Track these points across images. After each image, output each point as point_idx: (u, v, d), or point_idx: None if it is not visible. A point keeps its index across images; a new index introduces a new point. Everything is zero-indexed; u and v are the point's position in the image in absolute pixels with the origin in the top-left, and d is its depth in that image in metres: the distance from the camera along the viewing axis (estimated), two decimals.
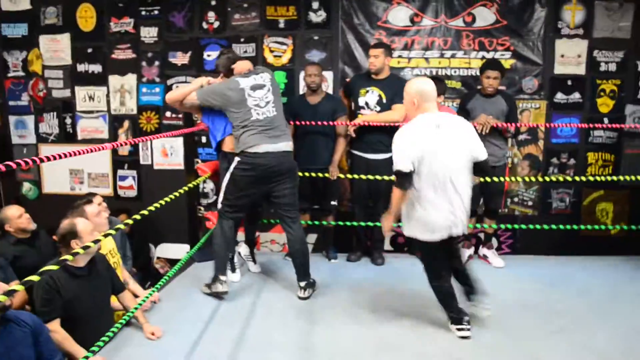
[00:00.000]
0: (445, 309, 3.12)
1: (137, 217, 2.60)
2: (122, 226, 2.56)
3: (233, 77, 3.54)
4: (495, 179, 3.99)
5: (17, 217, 3.72)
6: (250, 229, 4.26)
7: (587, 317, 3.38)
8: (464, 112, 4.16)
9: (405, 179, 2.86)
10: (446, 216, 2.88)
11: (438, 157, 2.82)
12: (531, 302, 3.59)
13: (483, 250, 4.45)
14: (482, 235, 4.64)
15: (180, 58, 5.28)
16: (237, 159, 3.47)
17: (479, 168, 3.00)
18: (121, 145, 3.86)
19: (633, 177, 4.23)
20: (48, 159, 1.99)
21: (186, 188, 3.58)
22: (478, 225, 4.38)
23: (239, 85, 3.46)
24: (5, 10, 5.41)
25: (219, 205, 3.62)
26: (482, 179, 3.97)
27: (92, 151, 2.22)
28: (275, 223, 4.63)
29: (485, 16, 4.93)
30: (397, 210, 3.00)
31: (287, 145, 3.52)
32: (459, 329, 3.03)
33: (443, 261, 3.06)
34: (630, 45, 4.92)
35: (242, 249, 4.27)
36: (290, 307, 3.55)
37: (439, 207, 2.87)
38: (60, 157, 1.99)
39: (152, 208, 2.77)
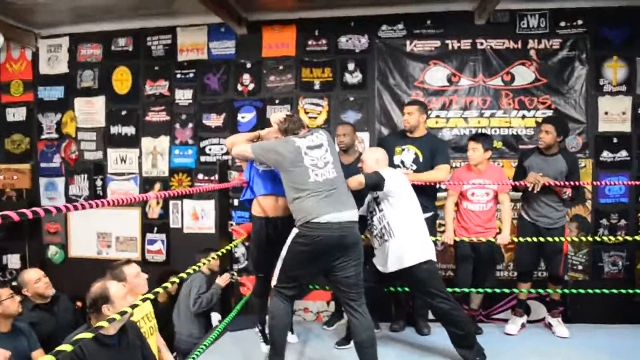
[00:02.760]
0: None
1: (175, 280, 2.41)
2: (160, 290, 2.36)
3: (287, 136, 3.28)
4: (550, 239, 3.74)
5: (35, 281, 3.53)
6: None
7: None
8: (522, 169, 3.96)
9: None
10: None
11: None
12: None
13: (548, 318, 4.13)
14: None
15: (214, 120, 5.24)
16: (295, 230, 3.06)
17: None
18: (148, 202, 3.73)
19: None
20: (76, 207, 1.77)
21: (224, 250, 3.40)
22: (532, 291, 4.08)
23: (294, 143, 3.11)
24: (42, 73, 5.50)
25: (274, 282, 3.26)
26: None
27: (119, 203, 2.04)
28: (309, 289, 4.38)
29: (524, 75, 4.85)
30: None
31: (352, 214, 3.05)
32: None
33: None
34: None
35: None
36: None
37: None
38: (84, 207, 1.79)
39: (190, 271, 2.58)
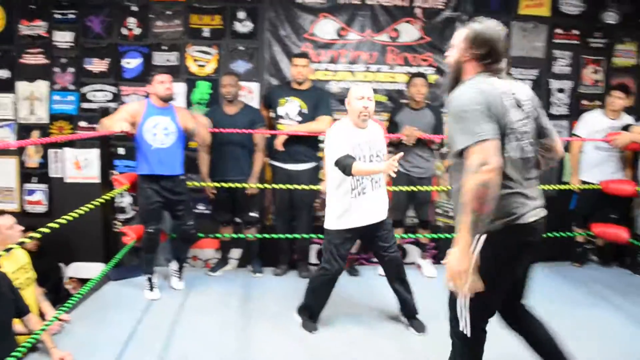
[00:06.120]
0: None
1: (45, 230, 2.37)
2: (27, 240, 2.33)
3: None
4: (421, 188, 4.03)
5: None
6: (183, 246, 4.11)
7: None
8: (393, 124, 4.20)
9: None
10: None
11: None
12: None
13: (419, 260, 4.50)
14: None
15: (97, 65, 4.99)
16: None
17: None
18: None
19: (549, 187, 4.44)
20: None
21: (101, 200, 3.34)
22: (405, 236, 4.40)
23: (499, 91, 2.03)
24: None
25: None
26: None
27: None
28: (199, 238, 4.41)
29: (409, 32, 5.04)
30: None
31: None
32: None
33: None
34: (544, 63, 5.18)
35: (173, 264, 4.08)
36: (214, 325, 3.38)
37: None
38: None
39: (62, 221, 2.54)
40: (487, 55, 1.98)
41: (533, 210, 1.98)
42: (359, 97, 3.04)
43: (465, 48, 2.01)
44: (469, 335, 2.03)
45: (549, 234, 4.23)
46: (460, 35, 2.04)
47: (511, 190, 1.93)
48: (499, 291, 2.05)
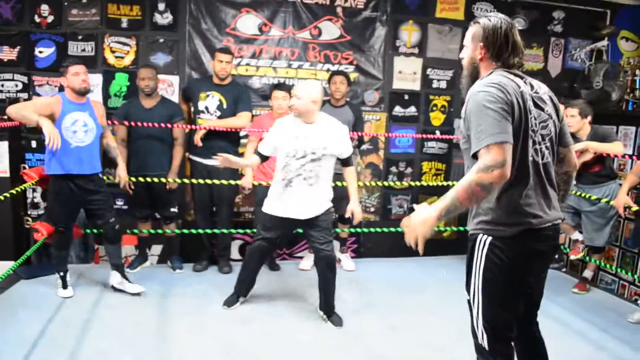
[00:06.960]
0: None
1: None
2: None
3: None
4: (340, 183, 4.15)
5: None
6: (113, 251, 3.92)
7: (422, 313, 3.64)
8: None
9: None
10: None
11: None
12: (374, 302, 3.80)
13: (338, 254, 4.62)
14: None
15: (6, 53, 4.75)
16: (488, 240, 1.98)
17: None
18: None
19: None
20: None
21: (7, 195, 3.21)
22: None
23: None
24: None
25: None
26: None
27: None
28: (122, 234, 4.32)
29: (330, 30, 5.14)
30: None
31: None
32: None
33: None
34: (458, 65, 5.42)
35: (115, 277, 3.87)
36: (130, 322, 3.35)
37: None
38: None
39: None
40: (503, 50, 1.90)
41: (548, 217, 1.90)
42: (293, 94, 3.33)
43: (478, 46, 1.94)
44: (487, 347, 1.95)
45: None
46: (470, 33, 1.97)
47: (528, 199, 1.86)
48: (510, 298, 1.95)
